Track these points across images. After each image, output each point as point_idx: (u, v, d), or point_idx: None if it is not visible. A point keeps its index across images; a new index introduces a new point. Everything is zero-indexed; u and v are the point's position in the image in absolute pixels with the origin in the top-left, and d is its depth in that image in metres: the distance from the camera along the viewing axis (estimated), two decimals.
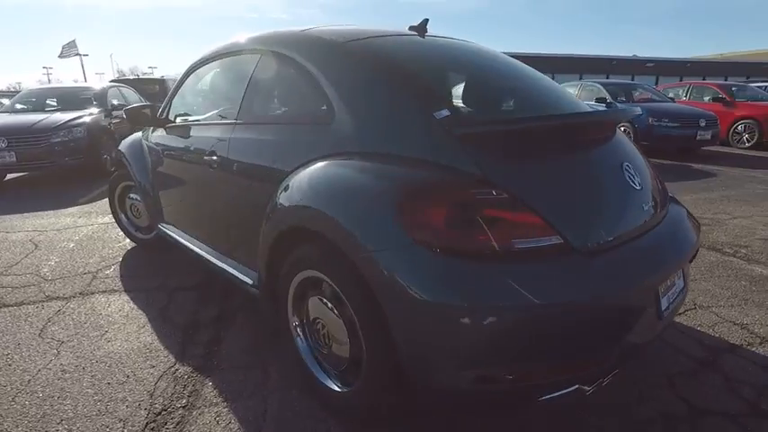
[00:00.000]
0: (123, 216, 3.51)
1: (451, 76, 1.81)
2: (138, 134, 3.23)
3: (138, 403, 1.71)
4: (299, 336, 1.74)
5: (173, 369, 1.93)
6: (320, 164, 1.52)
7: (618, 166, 1.54)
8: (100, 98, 7.33)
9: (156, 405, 1.70)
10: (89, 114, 6.59)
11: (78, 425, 1.60)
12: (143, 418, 1.63)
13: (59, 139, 5.98)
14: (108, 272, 3.01)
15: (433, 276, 1.19)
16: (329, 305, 1.51)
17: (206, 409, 1.68)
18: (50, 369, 1.93)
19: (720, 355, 2.01)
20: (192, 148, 2.33)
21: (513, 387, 1.24)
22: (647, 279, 1.34)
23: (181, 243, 2.64)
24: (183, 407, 1.69)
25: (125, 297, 2.63)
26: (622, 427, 1.57)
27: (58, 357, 2.02)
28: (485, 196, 1.24)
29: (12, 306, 2.53)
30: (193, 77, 2.62)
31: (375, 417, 1.54)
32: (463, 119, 1.43)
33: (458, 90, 1.77)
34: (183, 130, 2.50)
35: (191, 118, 2.61)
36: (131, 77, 13.40)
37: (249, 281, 1.97)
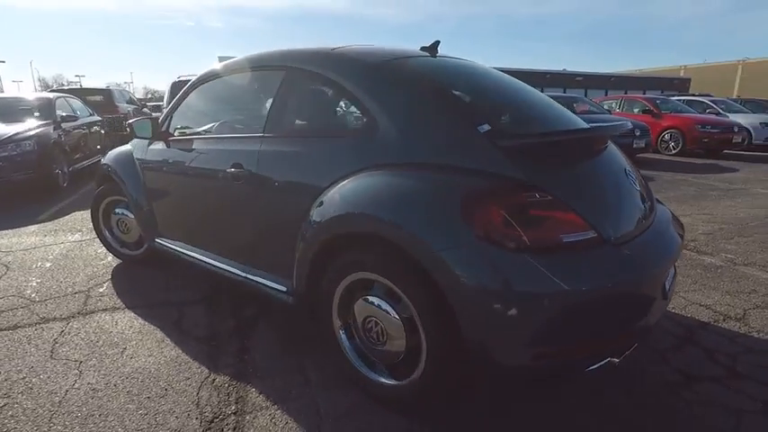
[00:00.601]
0: (108, 232, 3.39)
1: (478, 93, 2.00)
2: (127, 147, 3.16)
3: (186, 413, 1.72)
4: (343, 337, 1.84)
5: (210, 379, 1.94)
6: (370, 174, 1.65)
7: (622, 171, 1.80)
8: (45, 109, 6.86)
9: (206, 413, 1.72)
10: (38, 127, 6.16)
11: None
12: (197, 427, 1.65)
13: (6, 154, 5.54)
14: (101, 290, 2.90)
15: (498, 269, 1.36)
16: (382, 303, 1.63)
17: (258, 413, 1.72)
18: (79, 389, 1.88)
19: (695, 331, 2.34)
20: (208, 161, 2.35)
21: (565, 361, 1.43)
22: (659, 265, 1.59)
23: (186, 256, 2.63)
24: (234, 413, 1.73)
25: (130, 314, 2.56)
26: (636, 398, 1.81)
27: (82, 377, 1.96)
28: (533, 198, 1.44)
29: (6, 330, 2.39)
30: (200, 92, 2.63)
31: (429, 404, 1.67)
32: (502, 132, 1.62)
33: (484, 105, 1.96)
34: (194, 144, 2.51)
35: (199, 131, 2.62)
36: (65, 87, 12.57)
37: (283, 288, 2.03)
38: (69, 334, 2.34)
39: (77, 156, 7.06)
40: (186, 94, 2.69)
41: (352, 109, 1.87)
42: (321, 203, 1.76)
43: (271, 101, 2.14)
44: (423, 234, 1.44)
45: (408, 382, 1.64)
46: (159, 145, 2.77)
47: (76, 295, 2.82)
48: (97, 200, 3.33)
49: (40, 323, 2.46)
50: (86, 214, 4.87)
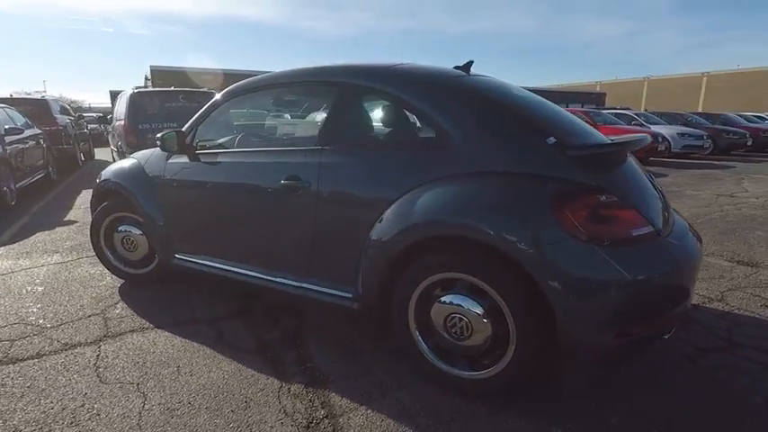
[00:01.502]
0: (109, 251, 3.21)
1: (529, 108, 2.21)
2: (132, 162, 3.05)
3: (280, 422, 1.75)
4: (419, 337, 1.95)
5: (285, 388, 1.96)
6: (450, 182, 1.80)
7: (645, 176, 2.10)
8: None
9: (299, 419, 1.76)
10: None
11: None
12: None
13: None
14: (117, 311, 2.75)
15: (586, 260, 1.57)
16: (467, 300, 1.78)
17: (350, 414, 1.79)
18: (151, 410, 1.82)
19: (690, 313, 2.72)
20: (253, 174, 2.36)
21: (638, 338, 1.66)
22: (696, 256, 1.88)
23: (218, 271, 2.60)
24: (326, 416, 1.78)
25: (164, 333, 2.47)
26: (669, 368, 2.10)
27: (148, 398, 1.89)
28: (604, 200, 1.67)
29: (31, 359, 2.22)
30: (232, 105, 2.63)
31: (512, 391, 1.82)
32: (566, 144, 1.84)
33: (540, 119, 2.15)
34: (231, 157, 2.51)
35: (236, 144, 2.61)
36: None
37: (347, 294, 2.11)
38: (108, 357, 2.23)
39: (23, 172, 6.46)
40: (215, 107, 2.67)
41: (417, 122, 2.01)
42: (398, 211, 1.87)
43: (325, 114, 2.22)
44: (516, 234, 1.62)
45: (491, 373, 1.79)
46: (182, 159, 2.72)
47: (92, 318, 2.66)
48: (99, 218, 3.14)
49: (66, 349, 2.31)
50: (54, 234, 4.54)
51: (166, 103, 7.01)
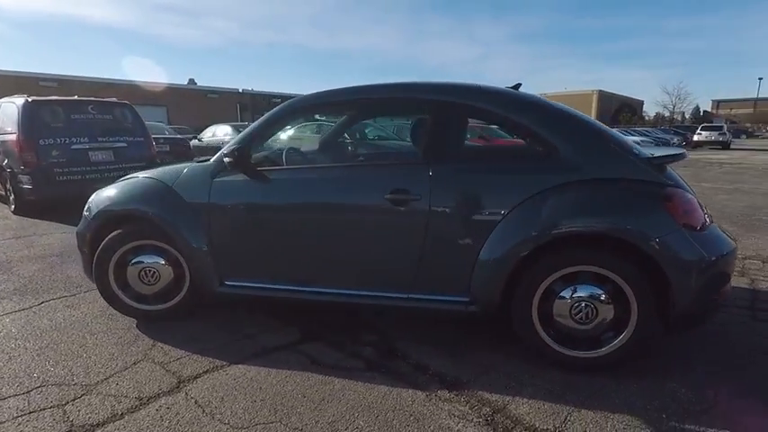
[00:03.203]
0: (118, 287, 2.74)
1: (595, 123, 2.56)
2: (154, 182, 2.70)
3: (462, 425, 1.80)
4: (541, 329, 2.17)
5: (434, 396, 2.00)
6: (573, 188, 2.08)
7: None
8: None
9: (474, 419, 1.83)
10: None
11: None
12: None
13: None
14: (165, 354, 2.39)
15: (695, 244, 1.99)
16: (591, 289, 2.07)
17: (510, 406, 1.92)
18: None
19: None
20: (347, 190, 2.33)
21: (716, 305, 2.14)
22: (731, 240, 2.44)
23: (288, 292, 2.49)
24: (494, 412, 1.88)
25: (249, 367, 2.25)
26: (706, 337, 2.64)
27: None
28: (688, 196, 2.12)
29: (111, 422, 1.85)
30: (300, 120, 2.53)
31: (626, 365, 2.15)
32: (640, 153, 2.25)
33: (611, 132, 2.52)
34: (308, 173, 2.43)
35: (309, 160, 2.50)
36: None
37: (464, 299, 2.23)
38: (212, 402, 1.97)
39: None
40: (277, 120, 2.53)
41: (529, 138, 2.25)
42: (523, 217, 2.09)
43: (423, 130, 2.32)
44: (645, 228, 1.97)
45: (610, 350, 2.10)
46: (236, 177, 2.51)
47: (142, 365, 2.28)
48: (108, 250, 2.66)
49: (147, 403, 1.97)
50: None
51: (73, 114, 5.98)
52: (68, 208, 6.29)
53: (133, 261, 2.71)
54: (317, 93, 2.55)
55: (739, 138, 38.29)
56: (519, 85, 2.77)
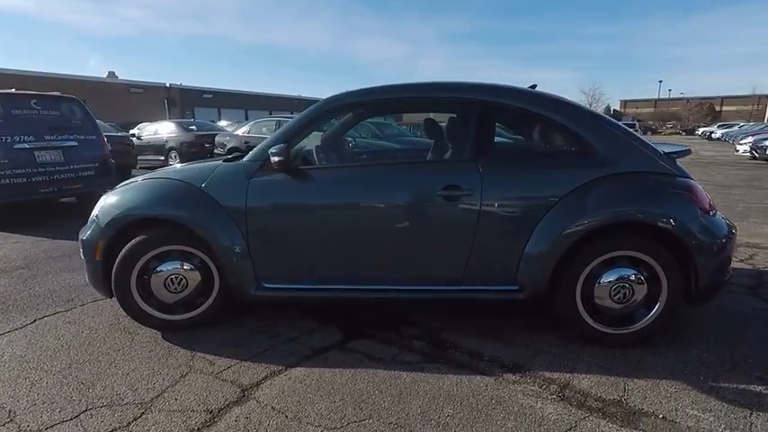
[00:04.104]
0: (140, 297, 2.54)
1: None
2: (179, 183, 2.57)
3: (560, 408, 1.93)
4: (583, 309, 2.37)
5: (509, 383, 2.12)
6: (613, 181, 2.29)
7: None
8: None
9: (570, 397, 1.98)
10: None
11: None
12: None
13: None
14: (211, 364, 2.28)
15: (713, 227, 2.29)
16: (629, 271, 2.30)
17: (576, 381, 2.09)
18: None
19: None
20: (399, 187, 2.38)
21: (724, 280, 2.47)
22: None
23: (331, 292, 2.49)
24: (571, 392, 2.04)
25: (311, 368, 2.22)
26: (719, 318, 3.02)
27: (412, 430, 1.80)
28: (699, 185, 2.43)
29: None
30: (342, 118, 2.52)
31: (650, 338, 2.41)
32: (658, 150, 2.53)
33: None
34: (353, 171, 2.43)
35: (338, 158, 2.49)
36: None
37: (514, 287, 2.38)
38: (291, 409, 1.92)
39: None
40: (317, 118, 2.50)
41: (566, 136, 2.44)
42: (572, 207, 2.26)
43: (471, 129, 2.41)
44: (676, 213, 2.23)
45: (642, 325, 2.35)
46: (275, 176, 2.44)
47: (193, 376, 2.16)
48: (130, 258, 2.46)
49: (218, 417, 1.88)
50: None
51: (14, 109, 5.31)
52: (15, 215, 5.62)
53: (158, 268, 2.53)
54: (358, 90, 2.55)
55: (646, 134, 42.97)
56: (534, 86, 2.97)
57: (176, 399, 1.99)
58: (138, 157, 10.05)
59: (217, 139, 10.30)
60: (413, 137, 11.85)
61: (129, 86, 29.79)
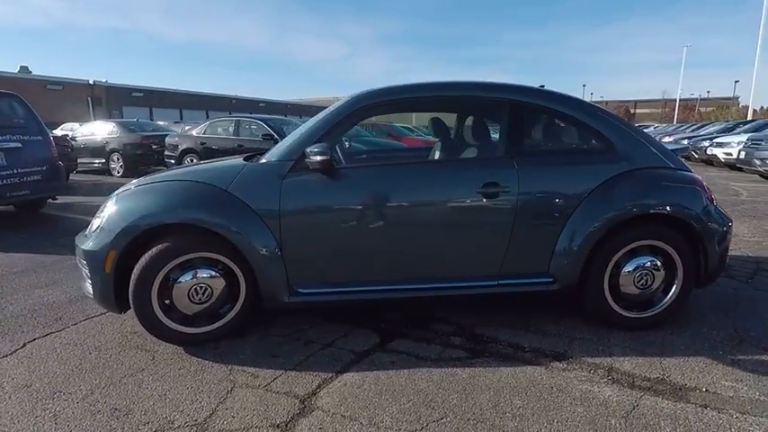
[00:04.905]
0: (160, 309, 2.33)
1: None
2: (202, 185, 2.42)
3: (629, 396, 2.03)
4: (610, 297, 2.52)
5: (562, 373, 2.20)
6: (632, 175, 2.46)
7: None
8: None
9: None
10: None
11: None
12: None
13: None
14: (258, 377, 2.15)
15: (719, 217, 2.53)
16: (649, 259, 2.48)
17: (619, 365, 2.22)
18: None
19: None
20: (439, 185, 2.38)
21: (725, 265, 2.73)
22: None
23: (368, 294, 2.46)
24: (618, 376, 2.16)
25: (360, 374, 2.16)
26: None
27: (500, 428, 1.81)
28: (701, 178, 2.68)
29: None
30: (367, 115, 2.47)
31: (665, 320, 2.61)
32: (666, 147, 2.75)
33: None
34: (390, 170, 2.40)
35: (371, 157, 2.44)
36: None
37: (548, 279, 2.48)
38: (362, 415, 1.86)
39: None
40: (347, 116, 2.43)
41: (589, 134, 2.57)
42: (601, 200, 2.40)
43: (504, 127, 2.48)
44: (692, 204, 2.44)
45: (658, 310, 2.55)
46: (310, 176, 2.35)
47: (237, 393, 2.02)
48: (152, 269, 2.25)
49: (291, 425, 1.78)
50: None
51: None
52: None
53: (180, 279, 2.34)
54: (389, 87, 2.52)
55: None
56: (542, 86, 3.11)
57: (233, 416, 1.85)
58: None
59: (167, 140, 9.63)
60: (371, 137, 11.89)
61: (46, 83, 26.96)
